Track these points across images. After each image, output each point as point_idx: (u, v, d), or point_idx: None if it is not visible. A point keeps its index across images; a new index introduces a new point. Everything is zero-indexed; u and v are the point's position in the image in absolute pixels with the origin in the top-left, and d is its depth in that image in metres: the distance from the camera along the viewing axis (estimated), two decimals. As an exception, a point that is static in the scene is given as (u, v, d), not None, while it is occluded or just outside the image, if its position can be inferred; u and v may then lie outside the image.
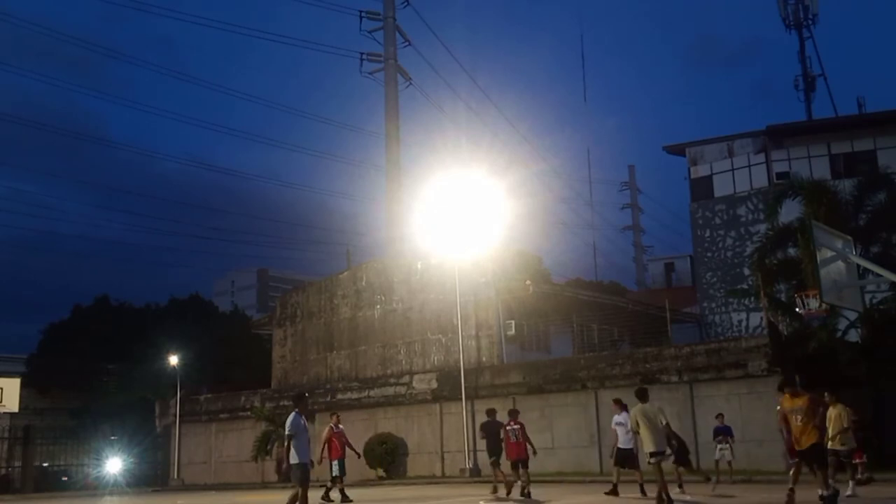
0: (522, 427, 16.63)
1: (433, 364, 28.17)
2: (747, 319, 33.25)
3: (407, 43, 42.38)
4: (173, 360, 32.89)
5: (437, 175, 27.50)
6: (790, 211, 24.39)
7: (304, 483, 11.21)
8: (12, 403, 30.01)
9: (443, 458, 25.43)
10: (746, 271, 30.82)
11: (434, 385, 27.20)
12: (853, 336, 22.45)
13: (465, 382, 24.85)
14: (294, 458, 11.17)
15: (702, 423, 21.32)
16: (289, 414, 11.46)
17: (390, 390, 28.32)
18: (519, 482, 16.43)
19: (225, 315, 49.37)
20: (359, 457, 19.17)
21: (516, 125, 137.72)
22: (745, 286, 30.13)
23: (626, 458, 15.32)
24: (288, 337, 33.40)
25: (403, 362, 29.09)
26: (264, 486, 28.94)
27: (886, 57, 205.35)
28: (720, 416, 18.10)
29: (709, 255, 35.94)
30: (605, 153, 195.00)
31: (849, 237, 15.37)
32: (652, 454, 12.51)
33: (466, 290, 26.36)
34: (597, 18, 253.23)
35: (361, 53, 41.74)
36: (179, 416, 33.13)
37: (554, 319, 29.25)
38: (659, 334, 26.35)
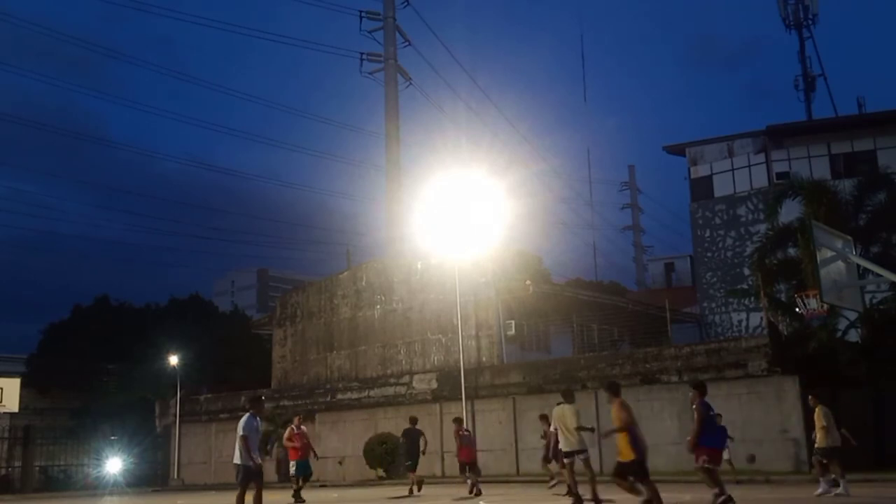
0: (470, 433, 19.07)
1: (433, 364, 28.18)
2: (747, 319, 33.25)
3: (407, 43, 42.41)
4: (173, 360, 32.88)
5: (437, 175, 27.50)
6: (790, 211, 24.40)
7: (247, 483, 11.49)
8: (12, 403, 29.98)
9: (443, 458, 25.39)
10: (746, 271, 30.83)
11: (434, 385, 27.20)
12: (853, 336, 22.45)
13: (465, 382, 24.85)
14: (241, 459, 11.36)
15: (702, 423, 21.33)
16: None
17: (390, 390, 28.33)
18: (469, 482, 17.90)
19: (225, 315, 49.34)
20: (316, 458, 19.62)
21: (516, 125, 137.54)
22: (745, 286, 30.13)
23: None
24: (288, 337, 33.41)
25: (403, 362, 29.10)
26: (264, 486, 28.92)
27: (886, 57, 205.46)
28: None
29: (709, 255, 35.94)
30: (605, 153, 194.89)
31: (849, 237, 15.37)
32: (577, 452, 13.07)
33: (466, 290, 26.36)
34: (597, 18, 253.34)
35: (361, 53, 41.78)
36: (179, 416, 33.13)
37: (554, 319, 29.25)
38: (659, 334, 26.36)
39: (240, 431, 11.28)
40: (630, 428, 10.33)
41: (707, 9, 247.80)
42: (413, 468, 18.94)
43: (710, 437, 11.38)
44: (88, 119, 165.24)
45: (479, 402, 25.52)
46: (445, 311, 27.48)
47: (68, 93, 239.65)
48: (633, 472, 10.25)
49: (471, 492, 17.53)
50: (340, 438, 28.61)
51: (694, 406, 11.42)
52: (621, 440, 10.31)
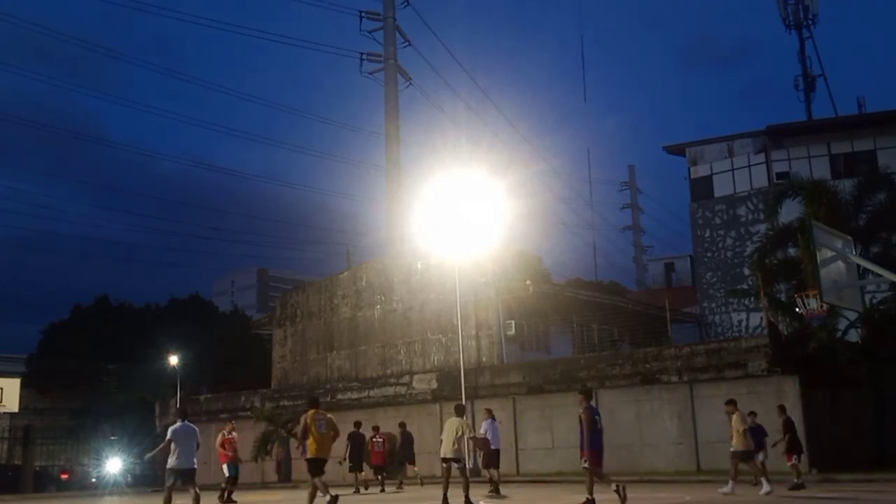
0: (384, 440, 21.68)
1: (433, 364, 28.17)
2: (747, 319, 33.25)
3: (407, 43, 42.43)
4: (173, 360, 32.88)
5: (437, 175, 27.44)
6: (790, 211, 24.37)
7: (174, 485, 12.85)
8: (12, 403, 29.98)
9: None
10: (746, 271, 30.81)
11: (434, 385, 27.19)
12: (853, 336, 22.42)
13: (465, 382, 24.82)
14: (172, 463, 12.79)
15: (702, 423, 21.33)
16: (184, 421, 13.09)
17: (390, 390, 28.31)
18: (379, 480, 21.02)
19: (225, 315, 49.35)
20: (239, 461, 20.59)
21: (516, 125, 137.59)
22: (745, 286, 30.11)
23: (496, 458, 17.56)
24: (288, 337, 33.39)
25: (403, 362, 29.09)
26: (264, 486, 28.96)
27: (886, 57, 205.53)
28: (752, 413, 17.71)
29: (709, 255, 35.93)
30: (605, 153, 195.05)
31: (849, 237, 15.35)
32: (446, 460, 13.93)
33: (466, 290, 26.34)
34: (597, 19, 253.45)
35: (361, 53, 41.80)
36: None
37: (554, 319, 29.24)
38: (659, 334, 26.34)
39: (198, 437, 12.94)
40: (304, 435, 12.61)
41: (706, 9, 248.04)
42: (355, 469, 20.86)
43: (593, 439, 12.29)
44: (88, 119, 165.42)
45: (479, 402, 25.47)
46: (445, 311, 27.46)
47: (68, 93, 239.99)
48: (311, 469, 12.47)
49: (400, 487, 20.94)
50: (340, 438, 28.54)
51: (581, 412, 12.36)
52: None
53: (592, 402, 12.80)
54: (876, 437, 21.06)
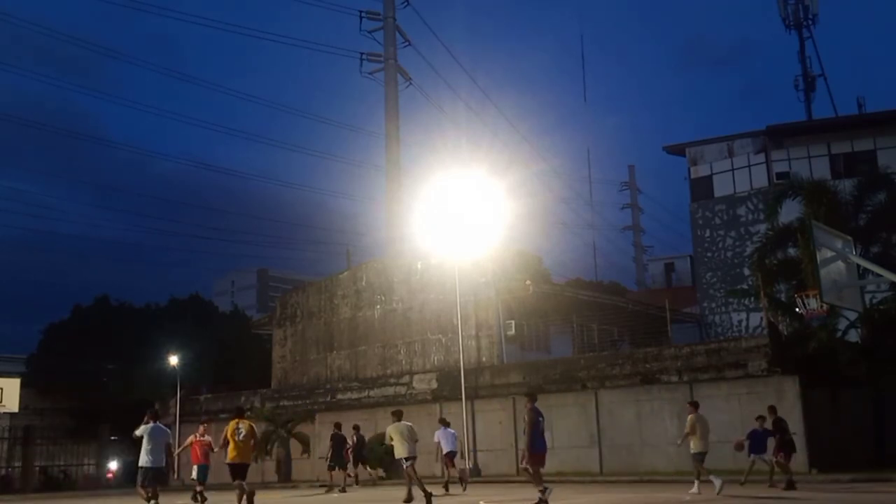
0: (363, 438, 23.42)
1: (433, 364, 28.17)
2: (747, 319, 33.25)
3: (407, 43, 42.45)
4: (173, 360, 32.85)
5: (437, 175, 27.48)
6: (790, 211, 24.37)
7: (146, 483, 13.32)
8: (12, 403, 29.93)
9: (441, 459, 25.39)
10: (746, 271, 30.81)
11: (434, 385, 27.20)
12: (853, 336, 22.42)
13: (465, 382, 24.84)
14: (145, 461, 13.26)
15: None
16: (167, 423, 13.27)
17: (390, 390, 28.32)
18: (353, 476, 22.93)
19: (225, 315, 49.24)
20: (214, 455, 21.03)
21: (516, 125, 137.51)
22: (745, 286, 30.11)
23: (451, 458, 19.74)
24: (288, 337, 33.40)
25: (403, 362, 29.09)
26: (264, 485, 28.87)
27: (886, 57, 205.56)
28: (761, 418, 17.56)
29: (709, 255, 35.94)
30: (605, 153, 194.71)
31: (849, 237, 15.35)
32: (406, 459, 14.91)
33: (466, 290, 26.35)
34: (596, 19, 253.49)
35: (361, 53, 41.82)
36: (179, 416, 33.11)
37: (554, 319, 29.25)
38: (659, 334, 26.36)
39: (169, 439, 13.41)
40: (224, 443, 13.41)
41: (705, 9, 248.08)
42: (334, 468, 21.89)
43: (537, 442, 12.73)
44: (88, 119, 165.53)
45: (479, 402, 25.51)
46: (445, 311, 27.47)
47: (68, 93, 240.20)
48: (232, 474, 13.61)
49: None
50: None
51: (525, 415, 12.76)
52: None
53: (537, 404, 13.08)
54: (876, 437, 21.05)
